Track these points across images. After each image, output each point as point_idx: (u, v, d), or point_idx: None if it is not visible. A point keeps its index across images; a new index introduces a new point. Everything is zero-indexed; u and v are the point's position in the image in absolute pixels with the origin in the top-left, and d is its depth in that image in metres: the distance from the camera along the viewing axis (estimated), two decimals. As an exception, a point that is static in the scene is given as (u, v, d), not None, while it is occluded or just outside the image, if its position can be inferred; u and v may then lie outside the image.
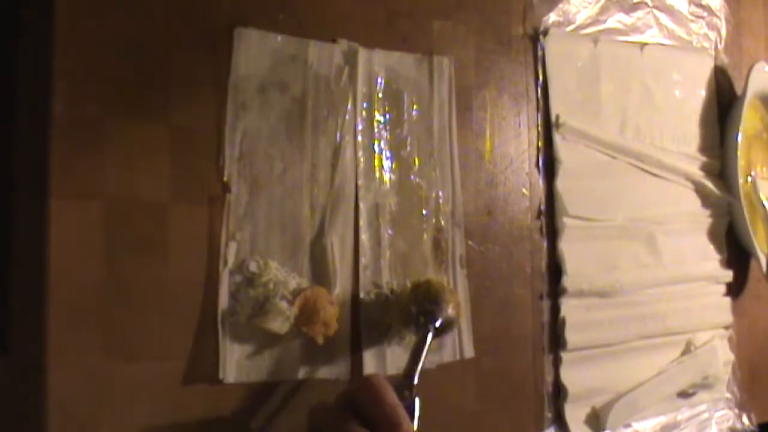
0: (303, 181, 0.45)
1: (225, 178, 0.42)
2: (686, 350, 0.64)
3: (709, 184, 0.67)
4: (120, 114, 0.39)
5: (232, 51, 0.43)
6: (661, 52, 0.67)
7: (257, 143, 0.44)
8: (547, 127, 0.58)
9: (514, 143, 0.56)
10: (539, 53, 0.57)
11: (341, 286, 0.46)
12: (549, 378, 0.56)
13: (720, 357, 0.67)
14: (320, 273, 0.46)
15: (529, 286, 0.55)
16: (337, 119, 0.47)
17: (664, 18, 0.68)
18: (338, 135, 0.47)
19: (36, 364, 0.37)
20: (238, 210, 0.43)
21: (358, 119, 0.48)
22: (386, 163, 0.49)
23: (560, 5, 0.59)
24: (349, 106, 0.47)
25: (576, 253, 0.57)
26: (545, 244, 0.56)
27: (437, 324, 0.44)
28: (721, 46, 0.73)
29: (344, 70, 0.47)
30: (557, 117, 0.57)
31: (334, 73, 0.47)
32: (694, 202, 0.67)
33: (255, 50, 0.44)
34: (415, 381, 0.40)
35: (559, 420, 0.56)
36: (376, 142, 0.48)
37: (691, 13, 0.70)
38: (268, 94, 0.44)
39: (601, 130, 0.60)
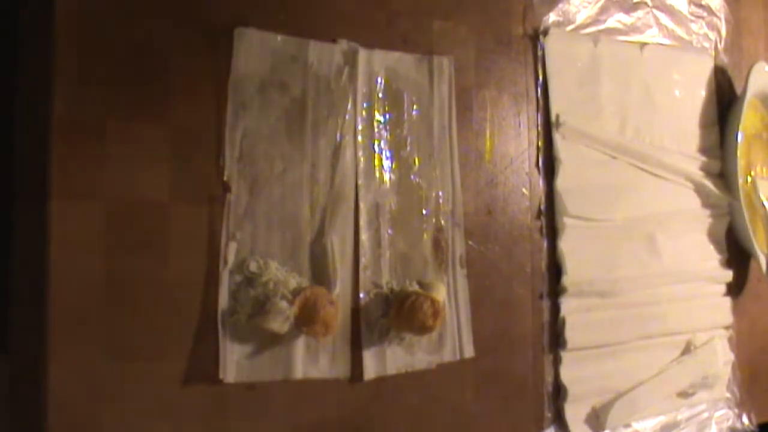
0: (303, 181, 0.45)
1: (225, 178, 0.42)
2: (686, 350, 0.64)
3: (709, 184, 0.67)
4: (120, 114, 0.39)
5: (233, 51, 0.43)
6: (661, 52, 0.67)
7: (257, 143, 0.44)
8: (547, 127, 0.58)
9: (514, 143, 0.56)
10: (539, 53, 0.57)
11: (341, 286, 0.46)
12: (549, 378, 0.56)
13: (720, 357, 0.66)
14: (320, 273, 0.45)
15: (529, 285, 0.55)
16: (337, 119, 0.47)
17: (664, 18, 0.68)
18: (338, 135, 0.47)
19: (36, 364, 0.37)
20: (238, 210, 0.43)
21: (358, 119, 0.48)
22: (386, 163, 0.49)
23: (560, 5, 0.59)
24: (349, 106, 0.47)
25: (576, 253, 0.57)
26: (545, 244, 0.56)
27: None
28: (721, 46, 0.73)
29: (344, 70, 0.47)
30: (557, 117, 0.57)
31: (334, 73, 0.47)
32: (694, 202, 0.67)
33: (255, 50, 0.44)
34: None
35: (559, 420, 0.56)
36: (376, 142, 0.48)
37: (691, 13, 0.70)
38: (268, 94, 0.44)
39: (601, 130, 0.60)
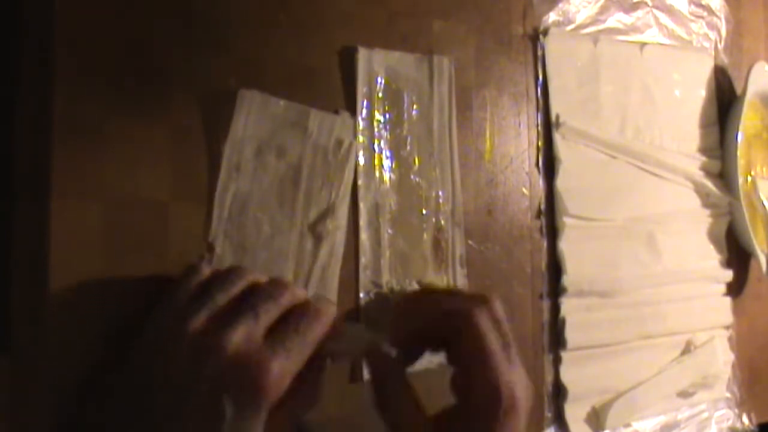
0: (290, 248, 0.44)
1: (210, 239, 0.41)
2: (686, 350, 0.64)
3: (709, 184, 0.67)
4: (120, 114, 0.39)
5: (233, 113, 0.42)
6: (661, 52, 0.67)
7: (247, 206, 0.43)
8: (547, 127, 0.58)
9: (514, 143, 0.56)
10: (539, 53, 0.57)
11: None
12: (549, 378, 0.56)
13: (720, 357, 0.67)
14: (320, 273, 0.45)
15: (529, 285, 0.55)
16: (331, 191, 0.46)
17: (664, 18, 0.68)
18: (329, 206, 0.46)
19: (36, 364, 0.37)
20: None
21: (359, 119, 0.48)
22: (386, 163, 0.49)
23: (560, 5, 0.59)
24: (345, 176, 0.46)
25: (576, 253, 0.57)
26: (545, 244, 0.56)
27: None
28: (721, 46, 0.73)
29: (343, 143, 0.47)
30: (557, 117, 0.57)
31: (333, 145, 0.46)
32: (694, 202, 0.67)
33: (255, 114, 0.43)
34: None
35: (559, 420, 0.56)
36: (376, 142, 0.48)
37: (691, 13, 0.70)
38: (263, 158, 0.43)
39: (601, 130, 0.60)
